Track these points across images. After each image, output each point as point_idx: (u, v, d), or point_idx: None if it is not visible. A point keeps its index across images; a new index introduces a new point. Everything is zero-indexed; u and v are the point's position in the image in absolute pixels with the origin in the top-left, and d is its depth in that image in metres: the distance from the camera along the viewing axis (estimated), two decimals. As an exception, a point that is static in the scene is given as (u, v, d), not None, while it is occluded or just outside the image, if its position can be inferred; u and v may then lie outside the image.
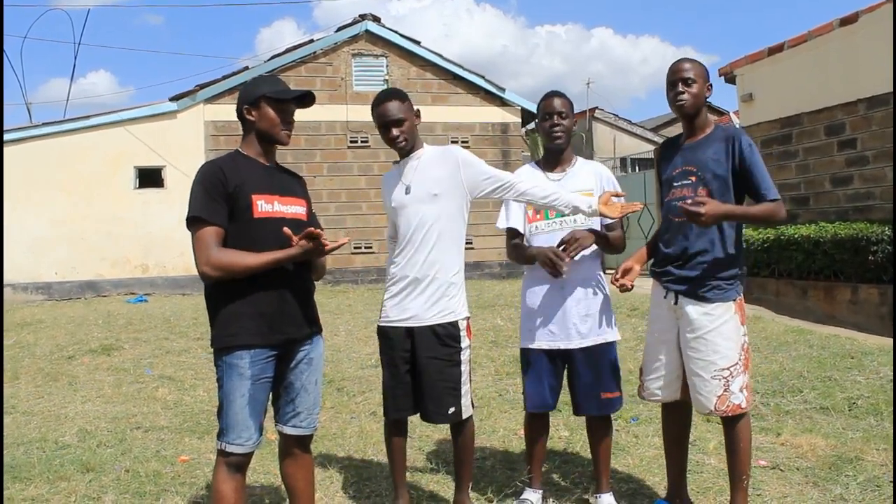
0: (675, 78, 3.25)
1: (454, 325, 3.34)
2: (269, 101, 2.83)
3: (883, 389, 5.22)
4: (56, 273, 13.69)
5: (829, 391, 5.27)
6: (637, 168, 20.82)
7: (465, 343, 3.37)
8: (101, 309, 11.37)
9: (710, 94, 3.29)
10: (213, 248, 2.69)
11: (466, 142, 15.33)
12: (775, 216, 3.20)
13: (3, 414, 5.11)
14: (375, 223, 14.66)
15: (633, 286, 3.38)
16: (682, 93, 3.23)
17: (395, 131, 3.31)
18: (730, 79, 11.49)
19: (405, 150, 3.37)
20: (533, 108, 15.50)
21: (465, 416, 3.35)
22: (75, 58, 35.94)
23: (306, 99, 2.91)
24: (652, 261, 3.46)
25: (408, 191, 3.34)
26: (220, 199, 2.72)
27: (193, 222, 2.73)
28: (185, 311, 10.56)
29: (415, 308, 3.31)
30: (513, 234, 3.68)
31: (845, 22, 9.31)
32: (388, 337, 3.38)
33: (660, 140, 21.17)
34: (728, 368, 3.15)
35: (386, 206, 3.49)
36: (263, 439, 2.94)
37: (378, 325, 3.46)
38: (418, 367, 3.32)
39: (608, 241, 3.56)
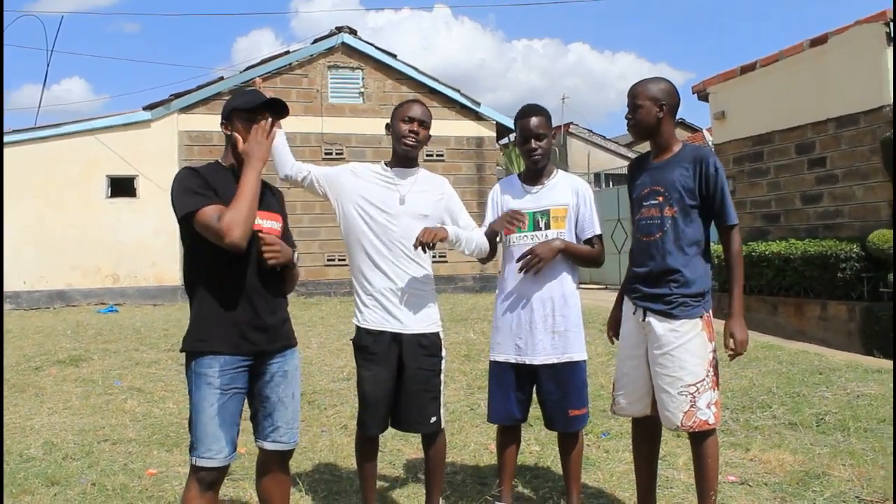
0: (627, 103, 3.33)
1: (437, 335, 3.44)
2: (239, 114, 2.82)
3: (850, 405, 5.29)
4: (24, 282, 13.49)
5: (798, 407, 5.33)
6: (611, 183, 21.03)
7: (443, 353, 3.47)
8: (71, 319, 11.22)
9: (663, 114, 3.25)
10: (215, 221, 2.61)
11: (441, 155, 15.37)
12: (731, 245, 3.25)
13: (2, 417, 5.02)
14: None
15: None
16: (630, 119, 3.32)
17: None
18: (703, 96, 11.65)
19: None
20: (508, 122, 15.58)
21: (442, 425, 3.45)
22: (48, 65, 35.62)
23: (278, 108, 2.86)
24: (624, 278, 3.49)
25: (402, 201, 3.39)
26: (203, 190, 2.69)
27: (188, 218, 2.66)
28: (156, 321, 10.45)
29: (402, 318, 3.35)
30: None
31: (815, 43, 9.48)
32: (372, 346, 3.35)
33: (633, 156, 21.37)
34: (695, 385, 3.17)
35: (353, 186, 3.43)
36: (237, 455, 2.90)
37: (359, 327, 3.41)
38: (403, 377, 3.35)
39: (583, 256, 3.58)
